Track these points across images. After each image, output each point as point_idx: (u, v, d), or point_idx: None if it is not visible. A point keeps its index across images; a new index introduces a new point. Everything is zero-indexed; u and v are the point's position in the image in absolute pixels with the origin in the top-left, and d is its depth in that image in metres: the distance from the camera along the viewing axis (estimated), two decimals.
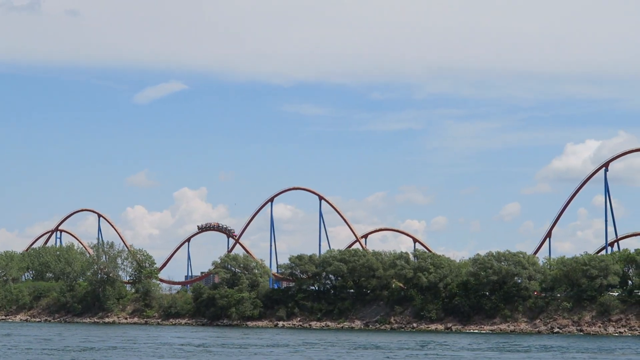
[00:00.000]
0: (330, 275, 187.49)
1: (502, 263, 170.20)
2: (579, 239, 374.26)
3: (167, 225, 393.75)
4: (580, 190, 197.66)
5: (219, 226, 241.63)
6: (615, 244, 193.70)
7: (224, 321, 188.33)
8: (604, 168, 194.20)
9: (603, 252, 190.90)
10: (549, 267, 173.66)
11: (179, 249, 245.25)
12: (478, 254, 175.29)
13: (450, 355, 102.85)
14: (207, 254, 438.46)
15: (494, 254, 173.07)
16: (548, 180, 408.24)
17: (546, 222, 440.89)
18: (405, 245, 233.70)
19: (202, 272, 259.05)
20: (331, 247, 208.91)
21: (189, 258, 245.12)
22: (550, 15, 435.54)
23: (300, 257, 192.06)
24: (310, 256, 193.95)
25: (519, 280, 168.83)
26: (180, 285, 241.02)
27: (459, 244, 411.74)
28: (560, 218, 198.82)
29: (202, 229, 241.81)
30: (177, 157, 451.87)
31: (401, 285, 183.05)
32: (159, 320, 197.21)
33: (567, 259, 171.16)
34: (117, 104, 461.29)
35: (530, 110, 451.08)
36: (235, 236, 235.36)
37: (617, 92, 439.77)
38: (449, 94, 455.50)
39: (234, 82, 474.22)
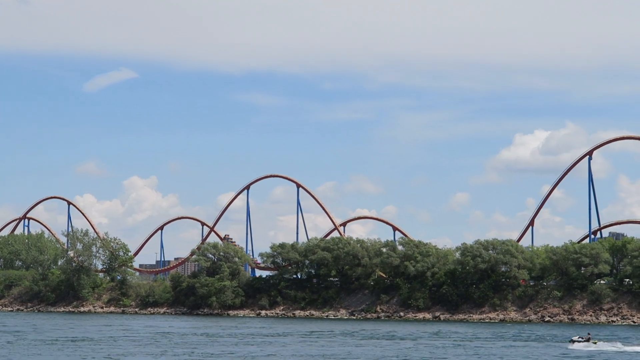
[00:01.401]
0: (315, 264, 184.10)
1: (490, 251, 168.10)
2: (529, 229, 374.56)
3: (117, 214, 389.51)
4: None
5: None
6: (598, 232, 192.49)
7: (205, 310, 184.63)
8: (587, 156, 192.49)
9: (586, 240, 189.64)
10: (535, 256, 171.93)
11: (152, 237, 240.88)
12: (464, 243, 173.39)
13: (487, 347, 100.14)
14: (178, 242, 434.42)
15: (482, 242, 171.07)
16: (497, 171, 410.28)
17: (495, 212, 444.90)
18: (380, 234, 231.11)
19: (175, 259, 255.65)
20: (304, 236, 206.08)
21: (161, 246, 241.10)
22: (501, 7, 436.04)
23: (282, 246, 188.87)
24: (293, 244, 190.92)
25: (505, 269, 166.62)
26: (153, 274, 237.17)
27: (409, 234, 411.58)
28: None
29: None
30: (127, 145, 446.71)
31: (382, 274, 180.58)
32: (136, 310, 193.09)
33: (557, 247, 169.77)
34: (67, 92, 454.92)
35: (480, 101, 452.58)
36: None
37: (565, 83, 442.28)
38: (399, 85, 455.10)
39: (185, 71, 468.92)
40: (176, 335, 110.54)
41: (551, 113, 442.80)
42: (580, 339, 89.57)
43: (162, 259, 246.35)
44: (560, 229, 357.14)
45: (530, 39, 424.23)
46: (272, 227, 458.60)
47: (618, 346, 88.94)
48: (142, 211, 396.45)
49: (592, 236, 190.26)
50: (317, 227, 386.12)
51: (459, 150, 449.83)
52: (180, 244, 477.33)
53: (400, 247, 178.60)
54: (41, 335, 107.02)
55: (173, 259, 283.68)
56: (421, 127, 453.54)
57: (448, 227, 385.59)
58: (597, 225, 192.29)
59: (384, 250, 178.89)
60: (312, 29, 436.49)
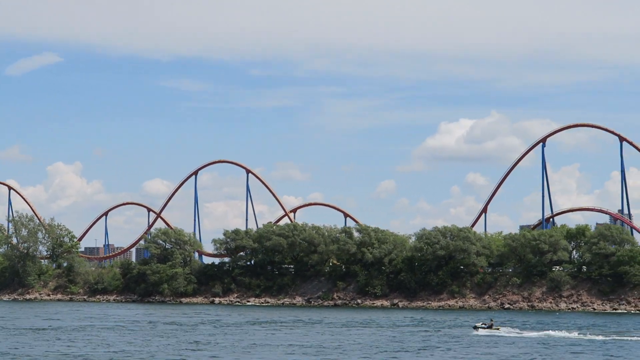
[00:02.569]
0: (269, 251, 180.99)
1: (448, 238, 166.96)
2: (452, 217, 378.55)
3: (41, 200, 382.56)
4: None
5: None
6: (551, 219, 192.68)
7: (156, 298, 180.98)
8: (541, 144, 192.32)
9: (539, 227, 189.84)
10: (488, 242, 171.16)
11: (96, 222, 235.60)
12: (424, 229, 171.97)
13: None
14: (123, 229, 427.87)
15: (440, 229, 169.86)
16: (422, 159, 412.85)
17: (419, 199, 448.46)
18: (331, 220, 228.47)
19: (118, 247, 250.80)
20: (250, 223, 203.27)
21: (106, 233, 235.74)
22: None
23: (236, 232, 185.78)
24: (247, 231, 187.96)
25: (463, 256, 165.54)
26: (97, 261, 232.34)
27: (335, 221, 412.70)
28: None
29: None
30: (51, 131, 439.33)
31: (335, 262, 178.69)
32: (84, 297, 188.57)
33: (516, 234, 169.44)
34: None
35: (407, 90, 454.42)
36: None
37: (491, 72, 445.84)
38: (328, 72, 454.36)
39: (111, 56, 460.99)
40: (149, 323, 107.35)
41: (476, 102, 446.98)
42: (483, 325, 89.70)
43: (107, 245, 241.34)
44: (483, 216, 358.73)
45: (456, 27, 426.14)
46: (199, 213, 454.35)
47: (516, 332, 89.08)
48: (67, 197, 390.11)
49: (545, 223, 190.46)
50: (244, 214, 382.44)
51: (385, 138, 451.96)
52: (121, 231, 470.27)
53: (356, 234, 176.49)
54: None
55: (115, 246, 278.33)
56: (349, 114, 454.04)
57: (374, 215, 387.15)
58: (550, 212, 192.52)
59: (341, 236, 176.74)
60: (240, 15, 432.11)
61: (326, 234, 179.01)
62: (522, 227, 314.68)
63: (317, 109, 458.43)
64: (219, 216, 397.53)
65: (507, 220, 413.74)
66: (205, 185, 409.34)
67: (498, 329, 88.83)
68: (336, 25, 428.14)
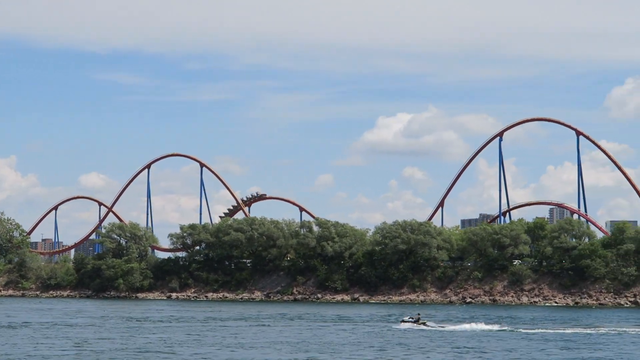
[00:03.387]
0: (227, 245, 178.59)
1: (408, 232, 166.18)
2: (389, 211, 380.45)
3: None
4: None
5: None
6: (507, 213, 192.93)
7: (111, 293, 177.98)
8: (498, 137, 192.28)
9: (496, 221, 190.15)
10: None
11: (46, 216, 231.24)
12: (384, 223, 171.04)
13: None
14: (72, 223, 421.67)
15: (401, 223, 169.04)
16: (360, 153, 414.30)
17: (358, 194, 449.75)
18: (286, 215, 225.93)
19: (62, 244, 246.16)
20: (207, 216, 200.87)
21: (55, 227, 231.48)
22: None
23: (193, 226, 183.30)
24: (204, 225, 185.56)
25: (424, 250, 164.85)
26: (47, 255, 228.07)
27: (289, 215, 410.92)
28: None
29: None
30: None
31: (291, 256, 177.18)
32: (37, 293, 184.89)
33: (476, 228, 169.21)
34: None
35: (345, 84, 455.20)
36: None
37: (428, 67, 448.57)
38: (266, 66, 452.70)
39: (47, 48, 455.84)
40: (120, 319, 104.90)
41: (414, 96, 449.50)
42: (410, 319, 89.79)
43: (57, 240, 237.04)
44: (421, 210, 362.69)
45: (395, 22, 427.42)
46: (134, 207, 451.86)
47: (440, 325, 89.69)
48: (1, 191, 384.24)
49: (502, 217, 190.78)
50: (181, 207, 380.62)
51: (323, 132, 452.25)
52: (71, 225, 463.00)
53: (315, 228, 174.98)
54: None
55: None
56: (286, 108, 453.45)
57: (312, 208, 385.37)
58: (507, 206, 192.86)
59: (300, 231, 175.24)
60: (177, 8, 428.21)
61: (285, 228, 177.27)
62: (462, 221, 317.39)
63: (254, 103, 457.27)
64: (157, 210, 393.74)
65: (445, 215, 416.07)
66: (141, 179, 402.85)
67: (424, 323, 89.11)
68: (274, 19, 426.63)
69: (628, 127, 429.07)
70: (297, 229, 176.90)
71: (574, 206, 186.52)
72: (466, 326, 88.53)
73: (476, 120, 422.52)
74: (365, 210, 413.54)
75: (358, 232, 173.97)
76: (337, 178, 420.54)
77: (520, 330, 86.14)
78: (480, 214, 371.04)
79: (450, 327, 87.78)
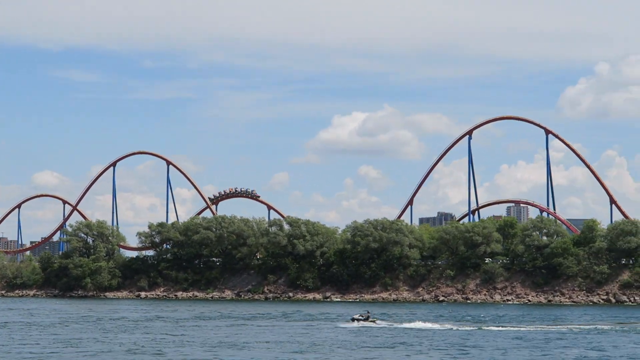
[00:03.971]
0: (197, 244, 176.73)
1: (380, 231, 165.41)
2: (344, 209, 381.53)
3: None
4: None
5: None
6: (476, 212, 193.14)
7: (79, 292, 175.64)
8: (467, 136, 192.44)
9: (465, 219, 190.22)
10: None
11: (9, 214, 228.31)
12: (355, 221, 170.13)
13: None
14: (28, 222, 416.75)
15: (372, 221, 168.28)
16: (316, 151, 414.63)
17: (313, 192, 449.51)
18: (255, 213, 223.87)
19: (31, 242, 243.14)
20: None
21: (19, 225, 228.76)
22: None
23: (162, 225, 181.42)
24: (173, 223, 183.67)
25: (396, 249, 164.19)
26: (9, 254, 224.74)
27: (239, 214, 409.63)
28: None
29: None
30: None
31: (260, 255, 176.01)
32: (2, 292, 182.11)
33: (448, 226, 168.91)
34: None
35: (301, 82, 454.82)
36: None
37: (383, 66, 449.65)
38: (222, 64, 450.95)
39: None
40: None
41: (369, 95, 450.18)
42: (360, 317, 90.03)
43: (20, 239, 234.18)
44: (376, 209, 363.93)
45: (350, 21, 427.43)
46: (88, 206, 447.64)
47: (389, 323, 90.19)
48: None
49: (471, 215, 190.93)
50: (135, 206, 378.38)
51: (279, 131, 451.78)
52: (27, 224, 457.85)
53: (286, 226, 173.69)
54: None
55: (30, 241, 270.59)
56: (243, 106, 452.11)
57: (251, 207, 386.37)
58: (476, 204, 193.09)
59: (271, 229, 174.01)
60: (133, 5, 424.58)
61: (255, 226, 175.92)
62: (421, 220, 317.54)
63: (211, 101, 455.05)
64: (110, 209, 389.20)
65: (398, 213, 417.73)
66: (100, 177, 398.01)
67: (374, 321, 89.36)
68: (230, 17, 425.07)
69: (581, 126, 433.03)
70: (267, 227, 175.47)
71: (543, 204, 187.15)
72: (414, 324, 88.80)
73: (431, 120, 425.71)
74: (320, 209, 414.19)
75: (329, 230, 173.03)
76: (293, 176, 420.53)
77: (466, 328, 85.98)
78: (439, 212, 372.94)
79: (398, 325, 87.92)
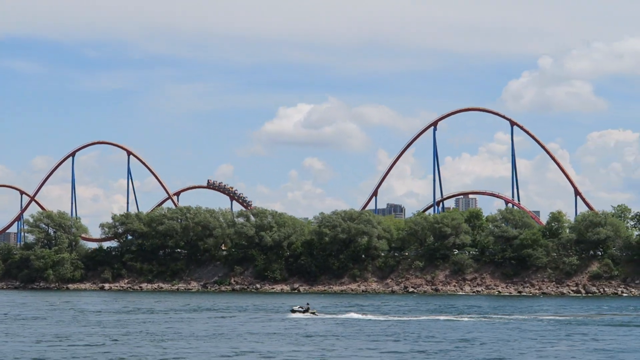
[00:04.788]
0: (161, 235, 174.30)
1: (348, 222, 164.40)
2: (289, 201, 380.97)
3: None
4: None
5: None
6: (441, 203, 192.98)
7: (40, 284, 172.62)
8: (432, 127, 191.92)
9: (430, 211, 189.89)
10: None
11: None
12: (322, 213, 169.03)
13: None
14: None
15: (341, 212, 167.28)
16: (261, 143, 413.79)
17: (257, 183, 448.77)
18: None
19: None
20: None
21: None
22: None
23: (127, 215, 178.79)
24: (137, 214, 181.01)
25: (364, 240, 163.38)
26: None
27: (217, 205, 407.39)
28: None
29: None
30: None
31: (225, 246, 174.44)
32: None
33: (417, 217, 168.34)
34: None
35: (246, 74, 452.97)
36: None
37: (328, 59, 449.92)
38: (166, 55, 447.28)
39: None
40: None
41: (314, 87, 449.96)
42: (300, 309, 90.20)
43: None
44: (321, 201, 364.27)
45: (295, 13, 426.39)
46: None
47: (327, 314, 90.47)
48: None
49: (436, 207, 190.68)
50: (77, 197, 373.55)
51: (224, 122, 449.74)
52: None
53: (253, 217, 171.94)
54: None
55: None
56: (187, 98, 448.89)
57: (213, 198, 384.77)
58: (440, 196, 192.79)
59: (237, 220, 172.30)
60: None
61: (221, 217, 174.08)
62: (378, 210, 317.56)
63: (154, 92, 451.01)
64: (52, 200, 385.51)
65: (343, 205, 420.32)
66: (41, 167, 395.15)
67: (314, 312, 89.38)
68: (173, 8, 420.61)
69: (523, 119, 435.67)
70: (234, 218, 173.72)
71: (508, 196, 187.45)
72: (350, 315, 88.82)
73: (375, 112, 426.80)
74: (265, 200, 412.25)
75: (297, 221, 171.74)
76: (238, 168, 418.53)
77: (407, 318, 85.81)
78: (388, 204, 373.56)
79: (335, 316, 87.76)
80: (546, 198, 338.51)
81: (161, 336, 65.93)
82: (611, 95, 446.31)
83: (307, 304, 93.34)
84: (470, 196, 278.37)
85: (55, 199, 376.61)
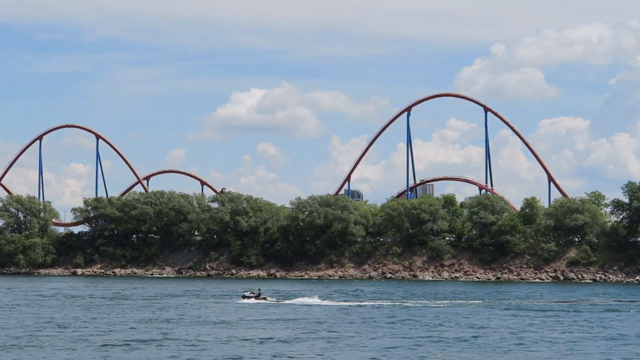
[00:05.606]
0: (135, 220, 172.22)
1: (325, 208, 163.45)
2: (242, 186, 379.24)
3: None
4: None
5: None
6: (415, 189, 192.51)
7: (11, 269, 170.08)
8: (406, 112, 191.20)
9: (404, 196, 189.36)
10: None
11: None
12: (298, 198, 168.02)
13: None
14: None
15: (317, 198, 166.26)
16: (214, 128, 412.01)
17: (209, 168, 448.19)
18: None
19: None
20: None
21: None
22: None
23: (98, 200, 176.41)
24: (110, 199, 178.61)
25: (341, 225, 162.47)
26: None
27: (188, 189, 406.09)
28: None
29: None
30: None
31: (196, 233, 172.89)
32: None
33: (393, 203, 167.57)
34: None
35: (199, 58, 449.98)
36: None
37: (282, 43, 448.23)
38: (118, 38, 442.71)
39: None
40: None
41: (268, 72, 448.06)
42: (251, 294, 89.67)
43: None
44: (274, 186, 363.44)
45: None
46: None
47: (277, 300, 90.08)
48: None
49: (409, 192, 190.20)
50: (29, 181, 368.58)
51: (176, 107, 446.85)
52: None
53: (228, 202, 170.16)
54: None
55: None
56: (139, 82, 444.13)
57: (164, 183, 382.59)
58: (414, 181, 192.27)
59: (212, 205, 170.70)
60: None
61: (195, 202, 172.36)
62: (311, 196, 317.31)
63: (107, 76, 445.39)
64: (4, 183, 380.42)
65: (297, 191, 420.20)
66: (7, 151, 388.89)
67: (265, 298, 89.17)
68: None
69: (476, 106, 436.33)
70: (208, 203, 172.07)
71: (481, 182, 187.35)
72: (299, 300, 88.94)
73: (329, 97, 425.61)
74: (218, 185, 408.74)
75: (273, 206, 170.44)
76: (190, 153, 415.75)
77: (354, 303, 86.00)
78: (346, 190, 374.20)
79: (286, 302, 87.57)
80: (500, 185, 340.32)
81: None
82: (562, 82, 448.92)
83: (259, 289, 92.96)
84: (435, 183, 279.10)
85: (6, 182, 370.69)
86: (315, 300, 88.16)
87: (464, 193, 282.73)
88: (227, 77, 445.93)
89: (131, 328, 59.98)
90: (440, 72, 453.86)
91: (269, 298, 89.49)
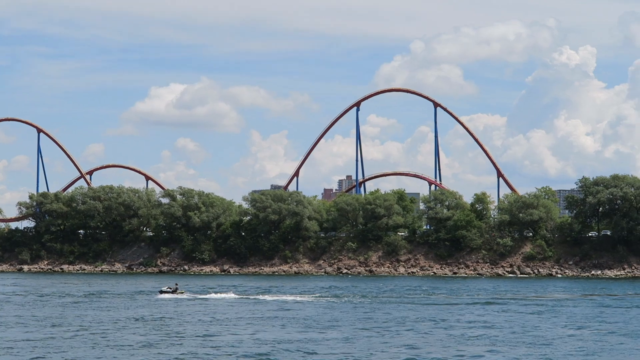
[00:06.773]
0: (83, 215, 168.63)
1: (279, 203, 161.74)
2: (161, 181, 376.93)
3: None
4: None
5: None
6: (362, 184, 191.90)
7: None
8: (355, 107, 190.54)
9: (353, 191, 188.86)
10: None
11: None
12: (252, 192, 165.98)
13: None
14: None
15: (270, 193, 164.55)
16: (132, 123, 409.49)
17: (127, 163, 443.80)
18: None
19: None
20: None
21: None
22: None
23: (44, 195, 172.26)
24: (56, 193, 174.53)
25: (295, 220, 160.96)
26: None
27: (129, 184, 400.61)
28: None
29: None
30: None
31: (146, 229, 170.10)
32: None
33: (348, 198, 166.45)
34: None
35: (117, 52, 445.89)
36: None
37: (201, 38, 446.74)
38: (35, 31, 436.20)
39: None
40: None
41: (187, 67, 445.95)
42: (168, 289, 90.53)
43: None
44: (194, 181, 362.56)
45: None
46: None
47: (194, 295, 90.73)
48: None
49: (358, 187, 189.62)
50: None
51: (94, 101, 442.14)
52: None
53: (179, 197, 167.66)
54: None
55: None
56: (55, 75, 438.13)
57: (106, 179, 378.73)
58: (362, 177, 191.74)
59: (163, 200, 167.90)
60: None
61: (145, 197, 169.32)
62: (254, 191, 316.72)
63: (23, 70, 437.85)
64: None
65: (216, 186, 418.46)
66: None
67: (182, 292, 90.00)
68: None
69: (395, 102, 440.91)
70: (159, 198, 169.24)
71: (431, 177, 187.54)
72: (214, 296, 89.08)
73: (249, 93, 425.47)
74: (136, 181, 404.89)
75: (225, 202, 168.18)
76: (108, 148, 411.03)
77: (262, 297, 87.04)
78: (272, 185, 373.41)
79: (201, 296, 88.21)
80: (417, 181, 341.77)
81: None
82: (480, 80, 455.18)
83: (176, 284, 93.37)
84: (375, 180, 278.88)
85: None
86: (230, 296, 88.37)
87: (408, 189, 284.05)
88: (146, 72, 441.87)
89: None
90: (360, 68, 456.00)
91: (186, 293, 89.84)
